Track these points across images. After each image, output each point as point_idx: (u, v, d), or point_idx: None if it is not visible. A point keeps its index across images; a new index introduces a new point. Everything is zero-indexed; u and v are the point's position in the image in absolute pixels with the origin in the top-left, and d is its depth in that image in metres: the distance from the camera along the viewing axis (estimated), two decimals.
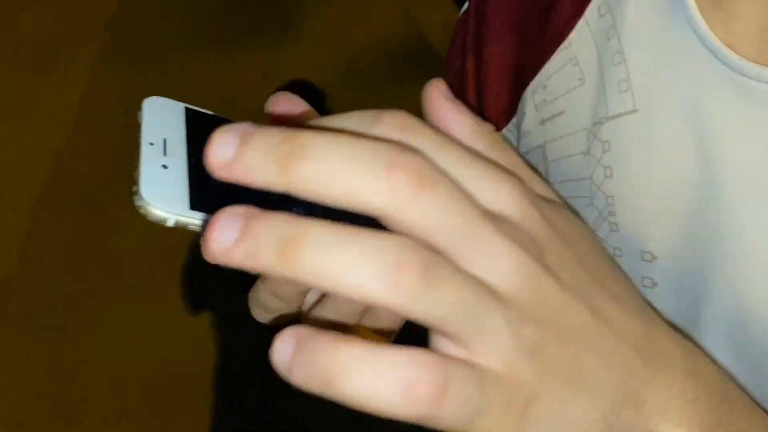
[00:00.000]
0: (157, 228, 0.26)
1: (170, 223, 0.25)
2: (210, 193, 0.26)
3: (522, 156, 0.29)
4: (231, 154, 0.20)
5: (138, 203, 0.25)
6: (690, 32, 0.36)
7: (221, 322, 1.73)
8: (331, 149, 0.19)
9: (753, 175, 0.34)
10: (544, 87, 0.43)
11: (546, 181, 0.34)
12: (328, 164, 0.19)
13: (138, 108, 0.29)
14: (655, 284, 0.39)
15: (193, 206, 0.25)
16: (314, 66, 2.41)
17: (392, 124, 0.23)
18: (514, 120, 0.46)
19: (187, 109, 0.30)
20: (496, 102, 0.47)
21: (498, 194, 0.22)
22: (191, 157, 0.27)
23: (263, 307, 0.29)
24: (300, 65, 2.42)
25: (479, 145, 0.25)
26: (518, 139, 0.46)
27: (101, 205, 1.95)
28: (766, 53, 0.34)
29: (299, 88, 2.29)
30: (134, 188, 0.25)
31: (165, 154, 0.27)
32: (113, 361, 1.68)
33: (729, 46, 0.35)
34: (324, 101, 2.27)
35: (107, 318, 1.76)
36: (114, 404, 1.63)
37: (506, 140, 0.42)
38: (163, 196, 0.25)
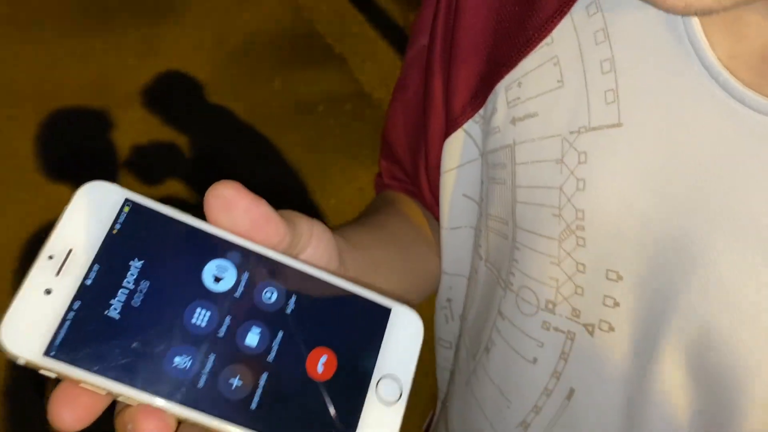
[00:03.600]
0: None
1: (21, 362, 0.21)
2: (82, 337, 0.21)
3: None
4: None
5: None
6: (689, 50, 0.33)
7: None
8: None
9: (739, 209, 0.32)
10: (519, 84, 0.40)
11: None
12: None
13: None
14: (617, 304, 0.37)
15: (54, 351, 0.21)
16: (195, 49, 2.32)
17: None
18: (481, 111, 0.43)
19: (126, 201, 0.23)
20: (464, 89, 0.43)
21: None
22: (89, 279, 0.22)
23: None
24: (180, 48, 2.33)
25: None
26: (485, 133, 0.43)
27: None
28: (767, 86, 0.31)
29: (175, 79, 2.19)
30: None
31: (58, 273, 0.22)
32: None
33: (730, 71, 0.32)
34: (202, 93, 2.20)
35: None
36: None
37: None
38: (22, 331, 0.21)
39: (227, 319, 0.23)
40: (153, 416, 0.22)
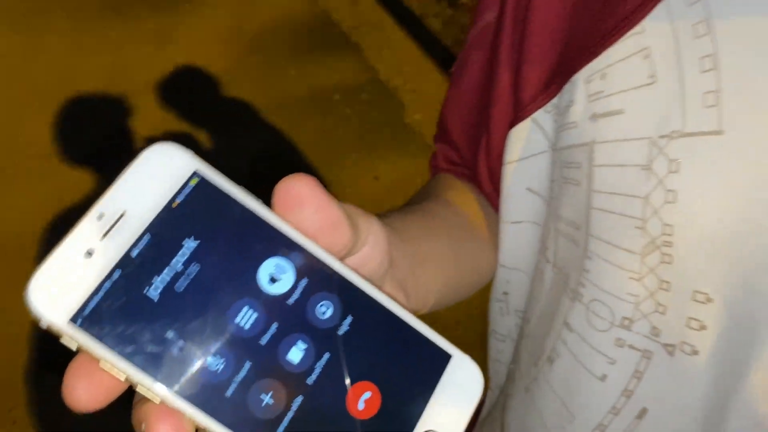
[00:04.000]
0: None
1: (43, 324, 0.19)
2: (114, 312, 0.20)
3: None
4: None
5: (27, 288, 0.19)
6: None
7: None
8: None
9: None
10: (603, 76, 0.35)
11: None
12: None
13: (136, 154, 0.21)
14: (703, 327, 0.34)
15: (81, 320, 0.19)
16: (213, 39, 2.33)
17: None
18: (555, 101, 0.39)
19: (194, 174, 0.21)
20: (536, 75, 0.39)
21: None
22: (135, 250, 0.20)
23: None
24: (197, 38, 2.33)
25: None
26: (559, 127, 0.39)
27: None
28: None
29: (190, 68, 2.18)
30: None
31: (105, 235, 0.20)
32: None
33: None
34: (217, 83, 2.20)
35: None
36: None
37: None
38: (51, 292, 0.19)
39: (273, 326, 0.21)
40: (170, 418, 0.20)
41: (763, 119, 0.30)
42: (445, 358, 0.23)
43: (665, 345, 0.36)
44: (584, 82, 0.36)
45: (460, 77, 0.49)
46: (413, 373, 0.22)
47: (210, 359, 0.20)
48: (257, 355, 0.20)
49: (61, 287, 0.19)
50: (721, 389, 0.34)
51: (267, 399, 0.20)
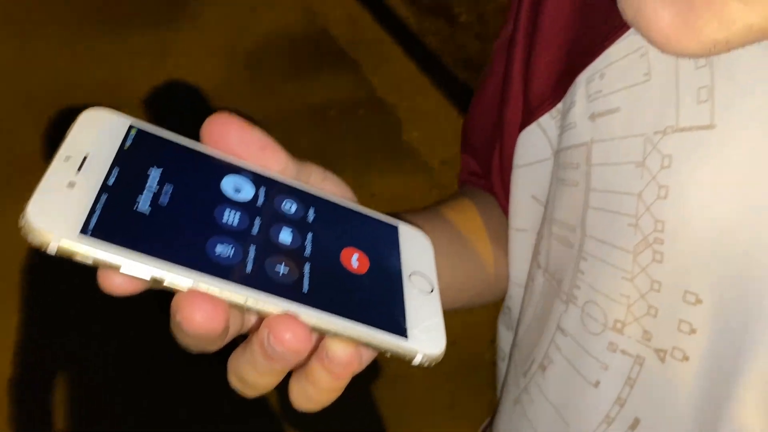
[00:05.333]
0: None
1: (52, 248, 0.20)
2: (116, 221, 0.21)
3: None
4: None
5: (21, 222, 0.20)
6: None
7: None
8: None
9: None
10: (602, 75, 0.36)
11: None
12: None
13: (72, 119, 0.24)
14: (693, 331, 0.34)
15: (90, 231, 0.21)
16: (210, 54, 2.32)
17: None
18: (560, 105, 0.40)
19: (131, 127, 0.25)
20: (544, 79, 0.40)
21: None
22: (110, 179, 0.22)
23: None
24: (194, 52, 2.33)
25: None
26: (560, 129, 0.40)
27: None
28: None
29: (187, 83, 2.18)
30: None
31: (79, 170, 0.22)
32: None
33: None
34: (213, 97, 2.20)
35: None
36: None
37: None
38: (52, 215, 0.20)
39: (257, 220, 0.24)
40: (204, 302, 0.21)
41: (752, 113, 0.31)
42: (395, 227, 0.28)
43: (657, 350, 0.36)
44: (586, 82, 0.37)
45: (483, 87, 0.50)
46: (378, 239, 0.27)
47: (219, 247, 0.22)
48: (256, 241, 0.24)
49: (59, 210, 0.21)
50: (712, 397, 0.34)
51: (282, 269, 0.23)
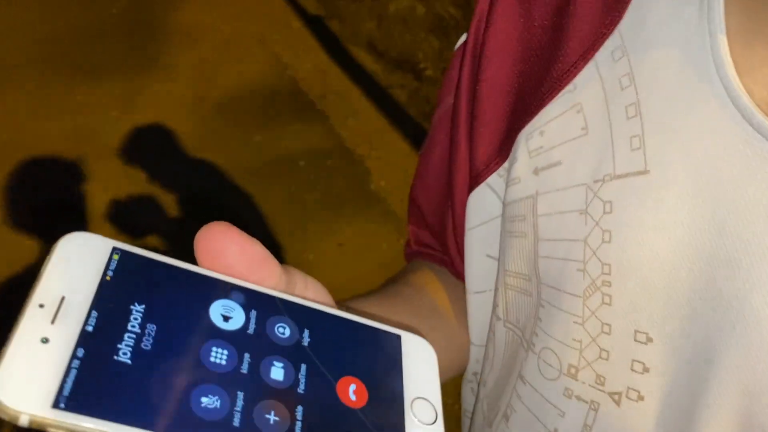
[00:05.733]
0: None
1: (24, 421, 0.18)
2: (93, 387, 0.19)
3: None
4: None
5: None
6: (720, 90, 0.31)
7: None
8: None
9: None
10: (542, 132, 0.38)
11: None
12: None
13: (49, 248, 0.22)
14: (646, 369, 0.34)
15: (64, 402, 0.18)
16: (180, 104, 2.34)
17: None
18: (506, 164, 0.41)
19: (114, 250, 0.22)
20: (488, 142, 0.42)
21: None
22: (89, 325, 0.20)
23: None
24: (164, 102, 2.34)
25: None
26: (506, 185, 0.41)
27: None
28: None
29: (157, 132, 2.18)
30: None
31: (53, 321, 0.20)
32: None
33: (766, 114, 0.30)
34: (183, 147, 2.20)
35: None
36: None
37: None
38: (21, 384, 0.18)
39: (246, 356, 0.22)
40: None
41: (681, 157, 0.33)
42: (397, 338, 0.25)
43: (611, 394, 0.36)
44: (526, 139, 0.39)
45: (427, 157, 0.51)
46: (380, 358, 0.25)
47: (205, 399, 0.20)
48: (245, 384, 0.22)
49: (28, 377, 0.18)
50: None
51: (273, 417, 0.21)
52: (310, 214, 1.99)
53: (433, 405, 0.24)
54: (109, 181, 2.04)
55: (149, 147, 2.19)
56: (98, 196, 1.99)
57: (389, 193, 2.09)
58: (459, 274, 0.50)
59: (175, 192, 2.03)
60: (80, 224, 1.91)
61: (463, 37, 0.45)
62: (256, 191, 2.05)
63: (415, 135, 2.26)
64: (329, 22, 2.82)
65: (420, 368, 0.25)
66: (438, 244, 0.52)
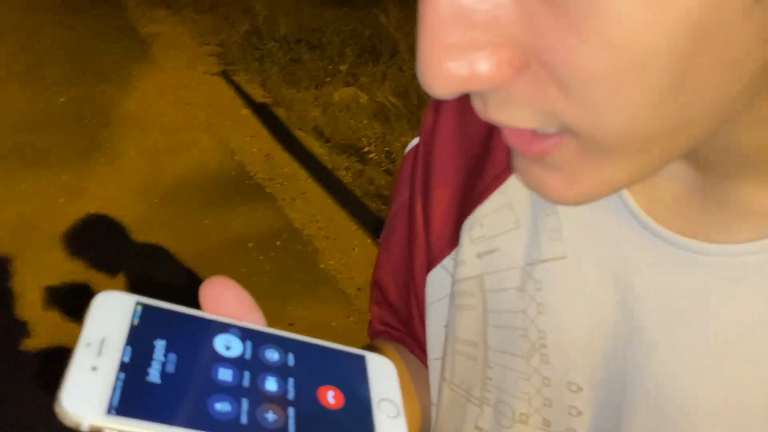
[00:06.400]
0: None
1: (85, 428, 0.25)
2: (134, 397, 0.26)
3: None
4: None
5: (56, 408, 0.24)
6: (617, 198, 0.39)
7: None
8: None
9: (670, 322, 0.37)
10: (481, 225, 0.46)
11: None
12: None
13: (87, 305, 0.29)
14: (580, 413, 0.42)
15: (114, 410, 0.25)
16: (127, 191, 2.35)
17: None
18: (457, 249, 0.49)
19: (137, 303, 0.30)
20: (441, 235, 0.50)
21: None
22: (126, 357, 0.27)
23: None
24: (112, 188, 2.35)
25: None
26: (454, 266, 0.48)
27: None
28: (681, 223, 0.37)
29: (103, 219, 2.18)
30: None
31: (99, 354, 0.27)
32: None
33: (651, 216, 0.38)
34: (131, 233, 2.21)
35: None
36: None
37: None
38: (81, 399, 0.25)
39: (246, 374, 0.29)
40: None
41: (592, 244, 0.41)
42: (362, 357, 0.32)
43: None
44: (468, 229, 0.47)
45: (388, 244, 0.58)
46: (351, 371, 0.31)
47: (218, 405, 0.28)
48: (247, 393, 0.28)
49: (86, 394, 0.25)
50: None
51: (271, 416, 0.28)
52: (260, 295, 1.99)
53: (395, 403, 0.30)
54: (54, 269, 2.01)
55: (96, 234, 2.18)
56: (43, 283, 1.96)
57: (338, 272, 2.12)
58: (419, 349, 0.57)
59: (123, 275, 2.02)
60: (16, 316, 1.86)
61: (414, 141, 0.53)
62: (207, 273, 2.06)
63: (360, 214, 2.33)
64: (276, 110, 2.92)
65: (382, 377, 0.31)
66: (400, 324, 0.59)
